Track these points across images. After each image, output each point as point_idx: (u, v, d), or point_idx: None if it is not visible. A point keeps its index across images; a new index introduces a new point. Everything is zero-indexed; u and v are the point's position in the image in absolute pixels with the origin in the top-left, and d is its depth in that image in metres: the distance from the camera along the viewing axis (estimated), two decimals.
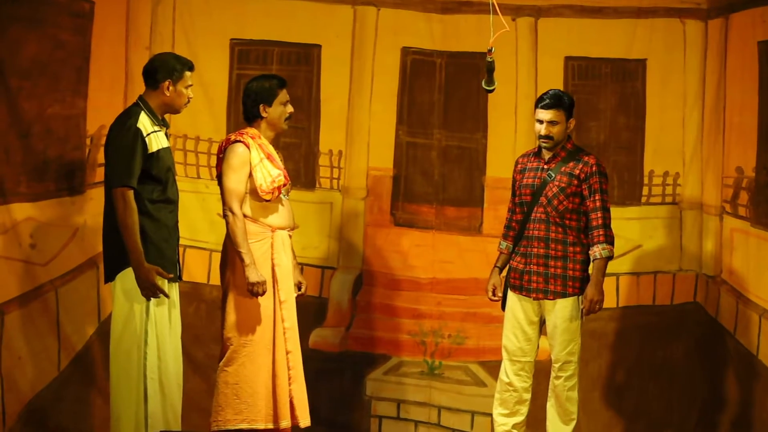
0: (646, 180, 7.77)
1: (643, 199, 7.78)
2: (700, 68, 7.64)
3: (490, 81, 6.08)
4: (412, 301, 7.81)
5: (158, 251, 6.09)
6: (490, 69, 6.02)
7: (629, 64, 7.76)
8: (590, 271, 6.64)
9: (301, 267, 6.98)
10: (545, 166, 6.68)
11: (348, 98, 7.82)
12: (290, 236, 6.63)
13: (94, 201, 6.98)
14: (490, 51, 5.94)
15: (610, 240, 6.59)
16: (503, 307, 6.85)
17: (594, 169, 6.63)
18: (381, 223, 7.86)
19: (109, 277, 6.12)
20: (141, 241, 5.99)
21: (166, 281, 6.11)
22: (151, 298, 6.03)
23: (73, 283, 7.15)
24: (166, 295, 6.09)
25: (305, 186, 7.63)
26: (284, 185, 6.48)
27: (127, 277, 6.03)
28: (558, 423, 6.75)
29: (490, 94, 6.42)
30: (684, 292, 7.69)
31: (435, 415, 7.77)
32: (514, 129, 7.74)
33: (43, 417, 6.98)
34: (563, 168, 6.64)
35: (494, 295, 6.85)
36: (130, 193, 5.97)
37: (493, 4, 5.90)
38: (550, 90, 6.59)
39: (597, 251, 6.58)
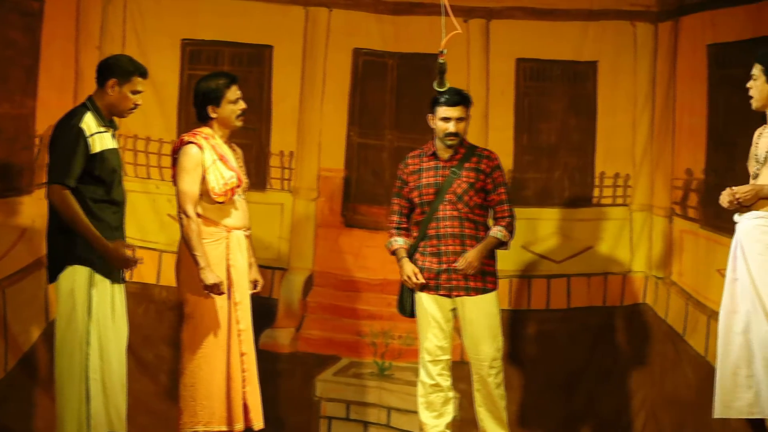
0: (597, 181, 7.81)
1: (594, 201, 7.81)
2: (650, 71, 7.69)
3: (442, 82, 6.09)
4: (362, 302, 7.81)
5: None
6: (442, 70, 6.04)
7: (580, 66, 7.80)
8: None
9: None
10: (445, 164, 6.75)
11: (299, 99, 7.81)
12: (246, 236, 6.60)
13: (42, 201, 6.86)
14: (441, 53, 5.95)
15: (511, 230, 6.79)
16: (406, 312, 6.87)
17: (497, 162, 6.81)
18: (332, 224, 7.85)
19: (52, 277, 6.09)
20: (82, 241, 5.97)
21: (108, 281, 6.08)
22: (93, 298, 6.00)
23: (20, 283, 7.11)
24: (140, 262, 6.17)
25: (256, 187, 7.57)
26: (238, 186, 6.45)
27: (69, 277, 6.01)
28: (492, 422, 6.77)
29: None
30: (634, 294, 7.74)
31: (385, 416, 7.77)
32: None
33: None
34: (466, 164, 6.75)
35: (418, 278, 6.80)
36: (67, 191, 5.94)
37: (444, 6, 5.90)
38: (448, 87, 6.33)
39: (495, 230, 6.74)
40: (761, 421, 5.97)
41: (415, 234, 6.89)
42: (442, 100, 6.66)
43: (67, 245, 6.03)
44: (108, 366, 6.09)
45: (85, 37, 7.49)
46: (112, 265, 6.06)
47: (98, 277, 6.05)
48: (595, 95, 7.80)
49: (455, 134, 6.73)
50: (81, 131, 6.00)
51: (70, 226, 5.97)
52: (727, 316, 6.02)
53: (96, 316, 6.04)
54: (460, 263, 6.68)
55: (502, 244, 6.79)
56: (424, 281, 6.79)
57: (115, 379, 6.14)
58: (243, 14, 7.73)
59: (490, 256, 6.79)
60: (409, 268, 6.82)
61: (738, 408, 5.97)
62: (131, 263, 6.13)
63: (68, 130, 6.02)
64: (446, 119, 6.69)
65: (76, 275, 6.03)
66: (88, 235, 5.98)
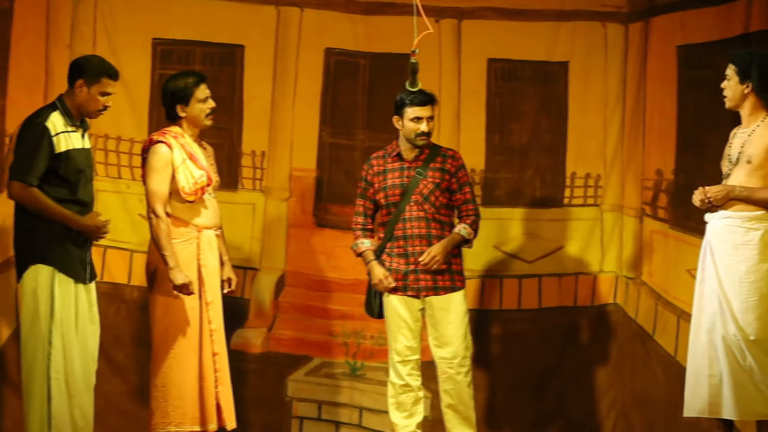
0: (568, 182, 7.82)
1: (565, 201, 7.83)
2: (621, 71, 7.72)
3: (414, 82, 6.09)
4: (334, 302, 7.81)
5: (64, 250, 6.06)
6: (414, 70, 6.04)
7: (551, 67, 7.82)
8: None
9: None
10: (410, 165, 6.76)
11: (271, 99, 7.79)
12: (218, 235, 6.58)
13: (12, 201, 6.89)
14: (413, 52, 5.95)
15: (475, 228, 6.79)
16: (374, 314, 6.89)
17: (461, 162, 6.84)
18: (304, 224, 7.84)
19: (20, 276, 6.09)
20: (45, 240, 5.99)
21: (72, 281, 6.07)
22: (56, 298, 6.01)
23: None
24: (108, 222, 6.17)
25: (228, 187, 7.57)
26: (208, 185, 6.43)
27: (32, 277, 6.02)
28: (460, 422, 6.76)
29: None
30: (604, 294, 7.76)
31: (356, 416, 7.76)
32: (438, 130, 7.75)
33: None
34: (431, 164, 6.77)
35: (390, 282, 6.80)
36: (30, 188, 5.95)
37: (416, 6, 5.90)
38: (417, 88, 6.26)
39: (460, 227, 6.76)
40: (731, 420, 6.00)
41: (380, 235, 6.89)
42: (412, 100, 6.66)
43: (31, 244, 6.05)
44: (71, 366, 6.07)
45: (55, 36, 7.45)
46: (92, 237, 6.11)
47: (61, 277, 6.05)
48: (566, 96, 7.81)
49: (428, 133, 6.75)
50: (45, 130, 6.00)
51: (42, 216, 5.99)
52: (696, 317, 6.06)
53: (59, 315, 6.04)
54: (424, 258, 6.68)
55: (466, 241, 6.80)
56: (395, 284, 6.79)
57: (79, 380, 6.13)
58: (214, 14, 7.71)
59: (457, 255, 6.80)
60: (379, 271, 6.81)
61: (698, 407, 6.02)
62: (104, 230, 6.15)
63: (33, 128, 6.03)
64: (418, 119, 6.70)
65: (39, 275, 6.04)
66: (61, 217, 6.02)
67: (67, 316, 6.07)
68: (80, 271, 6.14)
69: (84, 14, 7.55)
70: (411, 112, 6.69)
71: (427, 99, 6.70)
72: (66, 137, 6.05)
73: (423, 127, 6.71)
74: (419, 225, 6.74)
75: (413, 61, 5.98)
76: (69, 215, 6.04)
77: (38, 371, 6.01)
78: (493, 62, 7.84)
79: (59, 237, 6.05)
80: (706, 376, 5.96)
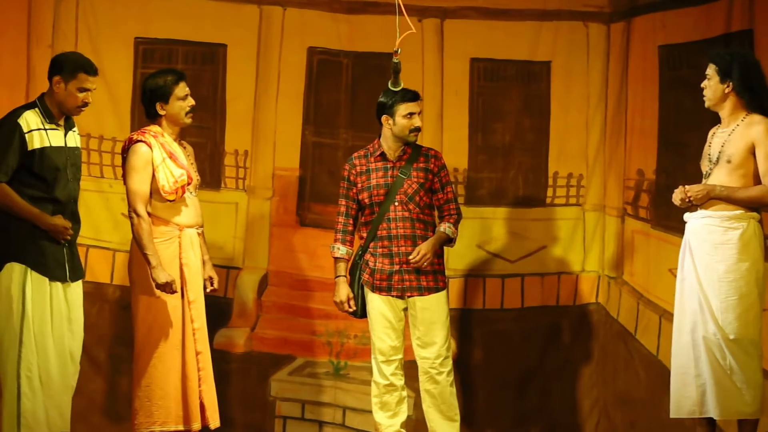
0: (550, 182, 7.83)
1: (548, 201, 7.84)
2: (603, 71, 7.74)
3: (396, 82, 6.10)
4: (317, 302, 7.79)
5: (38, 249, 6.07)
6: (396, 70, 6.05)
7: (534, 66, 7.83)
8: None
9: None
10: (394, 165, 6.76)
11: (254, 98, 7.78)
12: (199, 234, 6.57)
13: None
14: (396, 52, 5.96)
15: (456, 226, 6.79)
16: (356, 314, 6.87)
17: (443, 161, 6.85)
18: (287, 224, 7.84)
19: None
20: (19, 239, 6.01)
21: (46, 279, 6.08)
22: (28, 296, 6.01)
23: None
24: (69, 224, 6.13)
25: (210, 186, 7.58)
26: (189, 183, 6.42)
27: (6, 275, 6.04)
28: (443, 422, 6.77)
29: None
30: (587, 293, 7.77)
31: (340, 415, 7.77)
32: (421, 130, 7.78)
33: None
34: (415, 164, 6.77)
35: (350, 306, 6.82)
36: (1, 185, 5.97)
37: (399, 5, 5.91)
38: (399, 88, 6.37)
39: (444, 226, 6.75)
40: (714, 419, 6.02)
41: (363, 234, 6.88)
42: (404, 97, 6.64)
43: (5, 242, 6.05)
44: (46, 365, 6.07)
45: (36, 36, 7.44)
46: (56, 237, 6.09)
47: (34, 275, 6.05)
48: (549, 95, 7.82)
49: (420, 128, 6.75)
50: (18, 127, 6.02)
51: (10, 213, 6.00)
52: (679, 316, 6.07)
53: (30, 314, 6.03)
54: (414, 256, 6.66)
55: (450, 240, 6.81)
56: (354, 309, 6.80)
57: (56, 380, 6.12)
58: (197, 13, 7.70)
59: (440, 255, 6.80)
60: (343, 293, 6.80)
61: (687, 408, 6.02)
62: (65, 232, 6.12)
63: (6, 125, 6.05)
64: (411, 114, 6.69)
65: (13, 273, 6.06)
66: (30, 215, 6.02)
67: (40, 315, 6.07)
68: (56, 269, 6.13)
69: (65, 12, 7.53)
70: (404, 108, 6.68)
71: (415, 95, 6.71)
72: (41, 135, 6.04)
73: (416, 122, 6.70)
74: (404, 225, 6.73)
75: (396, 60, 5.99)
76: (37, 213, 6.03)
77: (10, 369, 6.01)
78: (475, 62, 7.84)
79: (34, 235, 6.05)
80: (693, 376, 5.96)
